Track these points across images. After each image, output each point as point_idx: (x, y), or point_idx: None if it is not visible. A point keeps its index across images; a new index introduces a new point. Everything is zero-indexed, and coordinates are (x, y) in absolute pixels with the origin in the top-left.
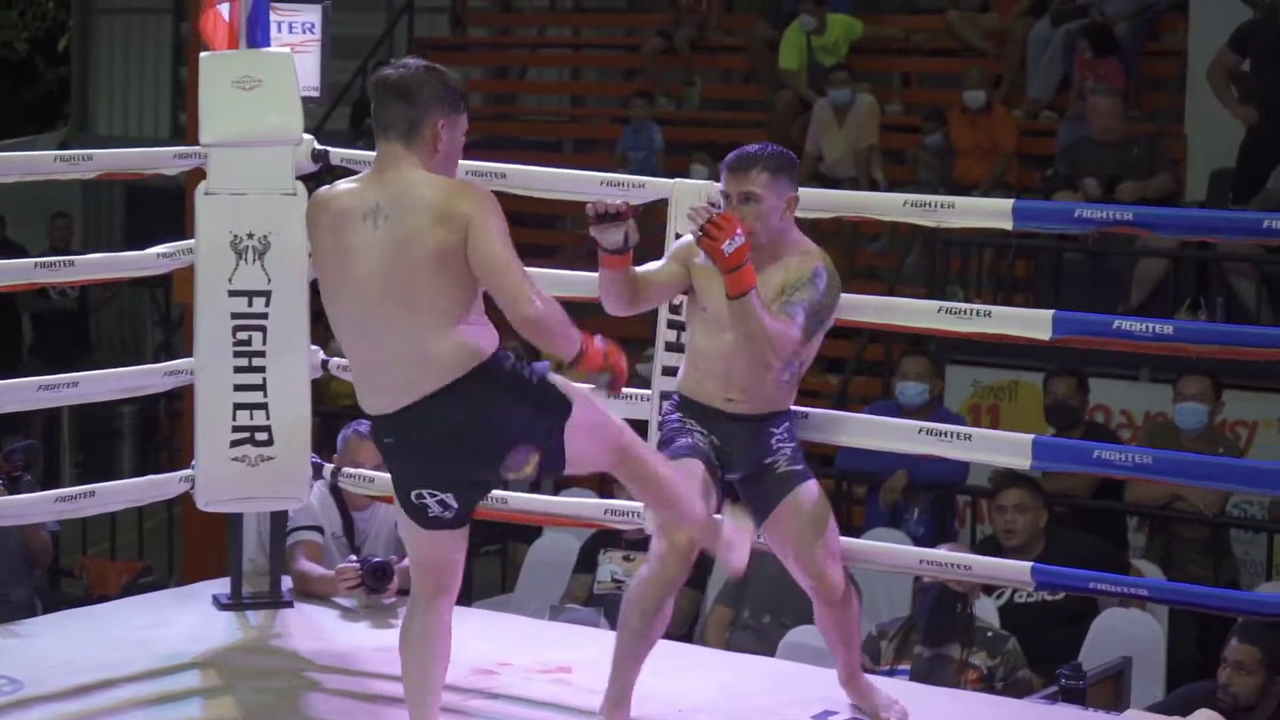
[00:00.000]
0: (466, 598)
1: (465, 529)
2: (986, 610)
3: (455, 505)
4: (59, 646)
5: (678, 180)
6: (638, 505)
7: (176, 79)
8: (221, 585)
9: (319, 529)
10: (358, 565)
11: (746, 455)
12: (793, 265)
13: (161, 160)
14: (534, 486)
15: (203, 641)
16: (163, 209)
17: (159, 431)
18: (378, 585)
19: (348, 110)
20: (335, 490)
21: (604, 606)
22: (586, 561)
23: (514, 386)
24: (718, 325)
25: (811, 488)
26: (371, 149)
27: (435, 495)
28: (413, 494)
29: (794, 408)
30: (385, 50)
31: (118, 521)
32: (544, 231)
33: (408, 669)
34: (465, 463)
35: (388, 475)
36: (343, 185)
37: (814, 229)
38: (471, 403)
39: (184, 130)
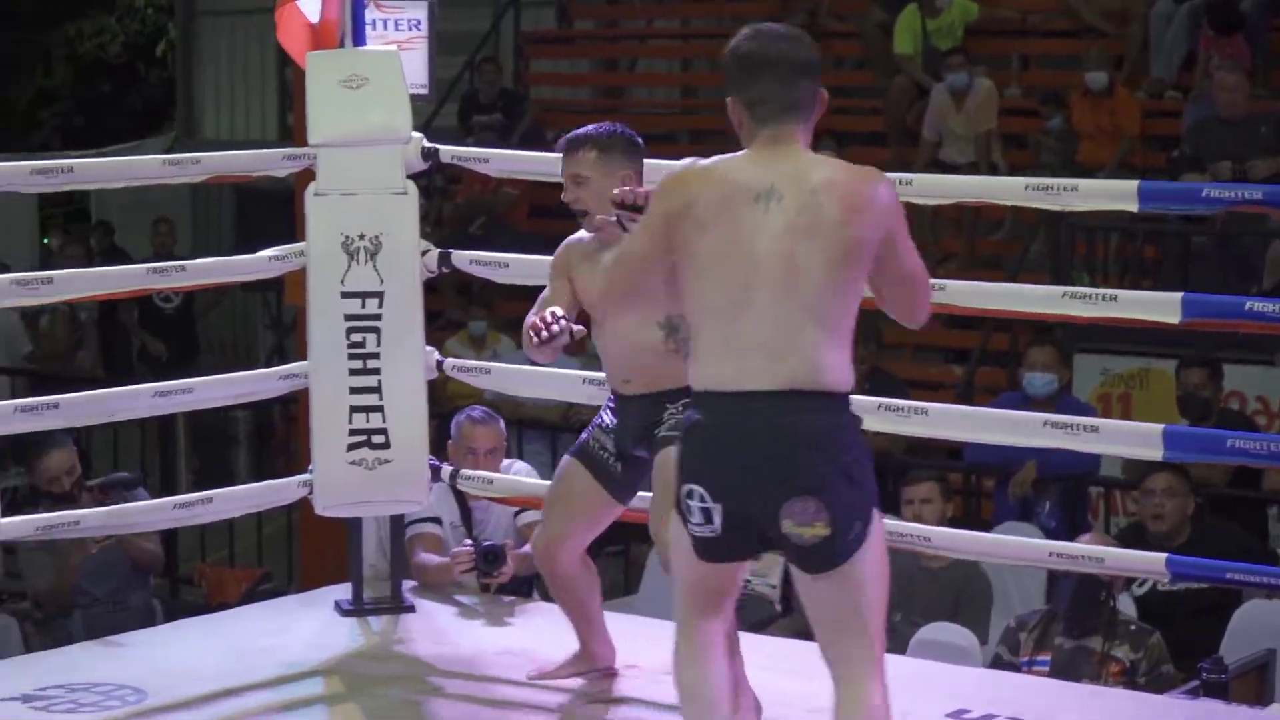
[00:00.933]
0: None
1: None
2: (1124, 603)
3: (718, 523)
4: (181, 655)
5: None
6: None
7: (283, 80)
8: (342, 591)
9: (437, 520)
10: (471, 549)
11: (643, 431)
12: None
13: (270, 162)
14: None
15: (325, 649)
16: (272, 211)
17: (274, 436)
18: (490, 568)
19: (455, 107)
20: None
21: None
22: None
23: (862, 447)
24: (601, 315)
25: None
26: (481, 144)
27: (704, 502)
28: (685, 488)
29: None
30: (491, 46)
31: (236, 528)
32: None
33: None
34: (763, 476)
35: (507, 476)
36: (724, 161)
37: (934, 217)
38: (825, 422)
39: (292, 131)
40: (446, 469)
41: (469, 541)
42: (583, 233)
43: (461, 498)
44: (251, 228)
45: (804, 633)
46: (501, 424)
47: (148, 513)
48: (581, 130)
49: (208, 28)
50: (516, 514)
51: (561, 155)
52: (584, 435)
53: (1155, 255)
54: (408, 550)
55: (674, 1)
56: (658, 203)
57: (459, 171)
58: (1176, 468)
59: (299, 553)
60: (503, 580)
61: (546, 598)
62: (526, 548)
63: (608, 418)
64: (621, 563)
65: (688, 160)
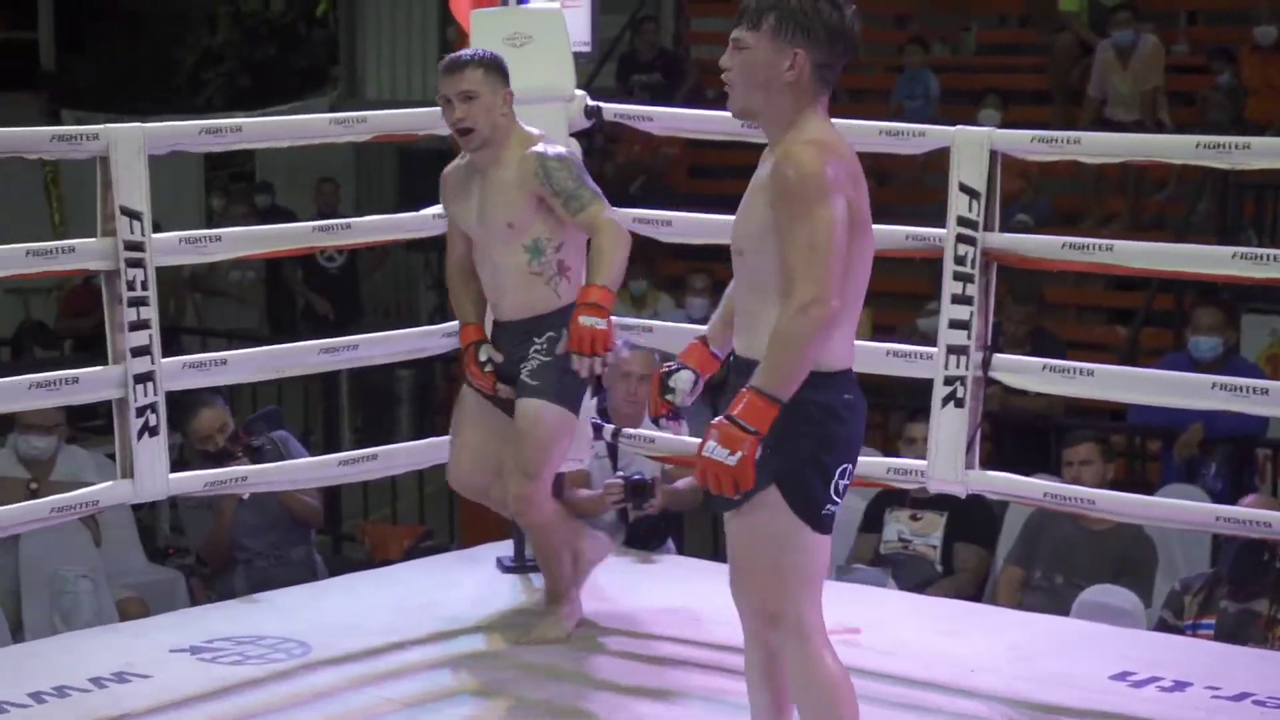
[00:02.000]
0: None
1: None
2: None
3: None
4: (344, 611)
5: (959, 128)
6: (922, 464)
7: (444, 38)
8: (504, 548)
9: (581, 460)
10: (621, 481)
11: (512, 365)
12: (513, 161)
13: (434, 121)
14: None
15: (487, 605)
16: (434, 171)
17: (437, 395)
18: (639, 501)
19: (613, 67)
20: (602, 412)
21: (891, 566)
22: (872, 521)
23: None
24: (473, 236)
25: (534, 406)
26: (641, 103)
27: (848, 479)
28: (843, 467)
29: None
30: (652, 5)
31: (398, 486)
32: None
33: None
34: None
35: (668, 435)
36: (836, 132)
37: (1099, 177)
38: None
39: None
40: (608, 428)
41: (619, 475)
42: (456, 161)
43: (612, 430)
44: (413, 187)
45: (963, 593)
46: (655, 353)
47: (313, 469)
48: (462, 51)
49: None
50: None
51: (441, 77)
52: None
53: None
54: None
55: None
56: (837, 189)
57: (619, 131)
58: None
59: (460, 511)
60: (651, 513)
61: (687, 550)
62: (679, 482)
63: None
64: None
65: (814, 137)
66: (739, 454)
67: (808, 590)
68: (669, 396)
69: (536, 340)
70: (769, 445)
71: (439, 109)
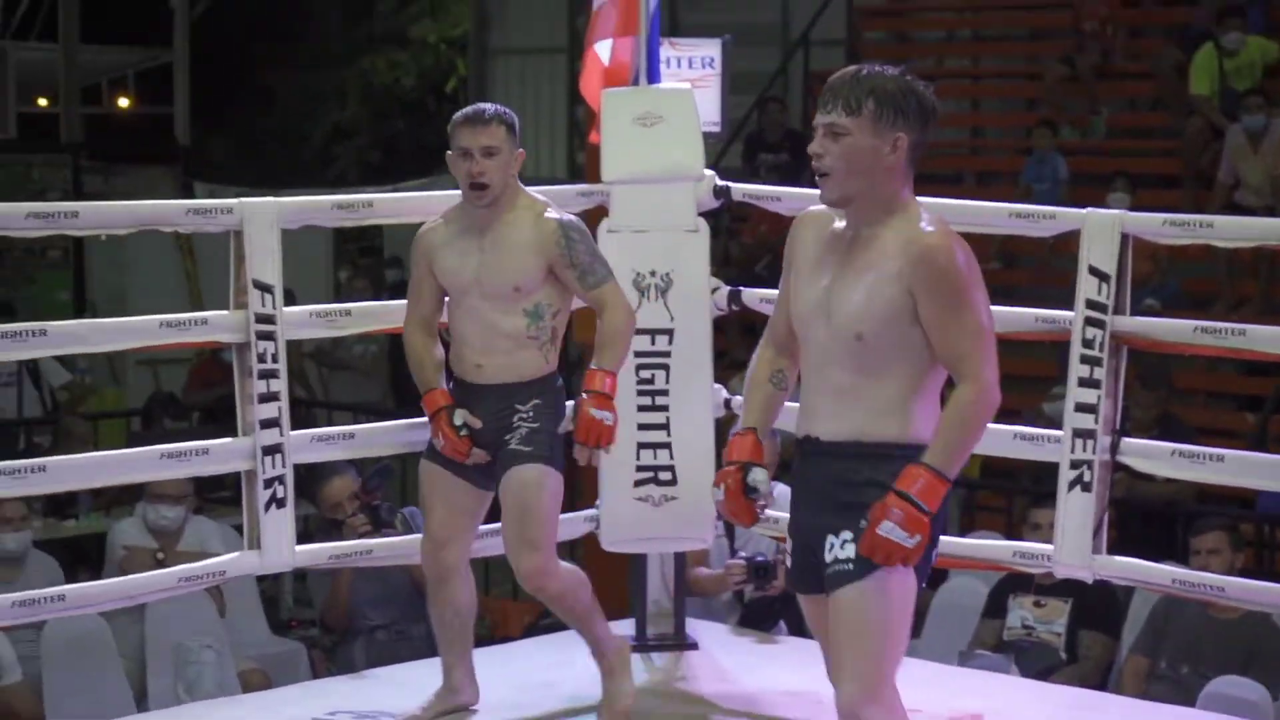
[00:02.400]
0: None
1: None
2: None
3: None
4: None
5: (1090, 210)
6: (1048, 548)
7: (572, 118)
8: (625, 626)
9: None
10: (744, 562)
11: (491, 432)
12: (527, 222)
13: (565, 199)
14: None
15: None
16: None
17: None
18: (762, 583)
19: (741, 146)
20: None
21: (1015, 653)
22: (995, 606)
23: None
24: (463, 295)
25: (530, 472)
26: (768, 183)
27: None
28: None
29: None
30: (780, 86)
31: None
32: None
33: None
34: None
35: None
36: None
37: (1230, 260)
38: None
39: (580, 169)
40: None
41: (742, 555)
42: (434, 220)
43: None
44: None
45: (1087, 681)
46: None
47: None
48: (483, 105)
49: (499, 66)
50: None
51: (462, 127)
52: (434, 440)
53: None
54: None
55: (964, 40)
56: (975, 270)
57: (746, 210)
58: None
59: None
60: (773, 594)
61: (797, 631)
62: None
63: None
64: None
65: (939, 223)
66: (917, 537)
67: (901, 657)
68: (755, 497)
69: (521, 407)
70: None
71: (566, 188)
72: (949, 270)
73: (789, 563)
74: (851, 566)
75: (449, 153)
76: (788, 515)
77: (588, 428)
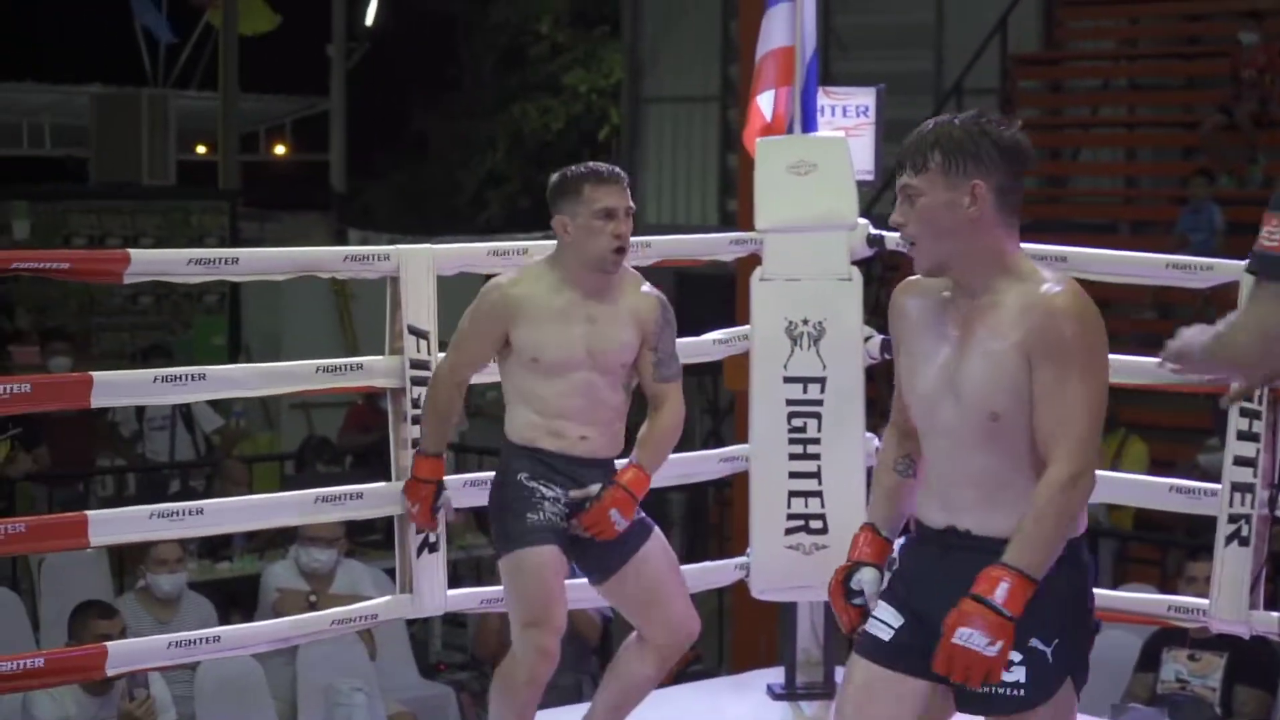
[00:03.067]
0: None
1: None
2: None
3: None
4: None
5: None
6: (1204, 603)
7: (724, 166)
8: (774, 675)
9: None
10: None
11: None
12: (629, 294)
13: (718, 247)
14: None
15: None
16: (710, 296)
17: (708, 518)
18: None
19: (894, 194)
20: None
21: (1169, 707)
22: (1149, 660)
23: None
24: (567, 369)
25: (659, 544)
26: None
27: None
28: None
29: None
30: None
31: None
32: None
33: None
34: None
35: None
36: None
37: None
38: None
39: (731, 217)
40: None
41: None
42: (511, 275)
43: None
44: (690, 312)
45: None
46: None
47: (583, 589)
48: (606, 165)
49: (652, 114)
50: None
51: (603, 186)
52: (533, 517)
53: None
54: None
55: (1120, 89)
56: (1101, 335)
57: (898, 259)
58: None
59: (730, 635)
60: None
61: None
62: None
63: (547, 489)
64: None
65: (1064, 282)
66: (999, 643)
67: None
68: (857, 601)
69: (609, 484)
70: (1056, 634)
71: (720, 236)
72: (1071, 337)
73: (878, 630)
74: (1024, 693)
75: (568, 213)
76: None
77: (598, 522)
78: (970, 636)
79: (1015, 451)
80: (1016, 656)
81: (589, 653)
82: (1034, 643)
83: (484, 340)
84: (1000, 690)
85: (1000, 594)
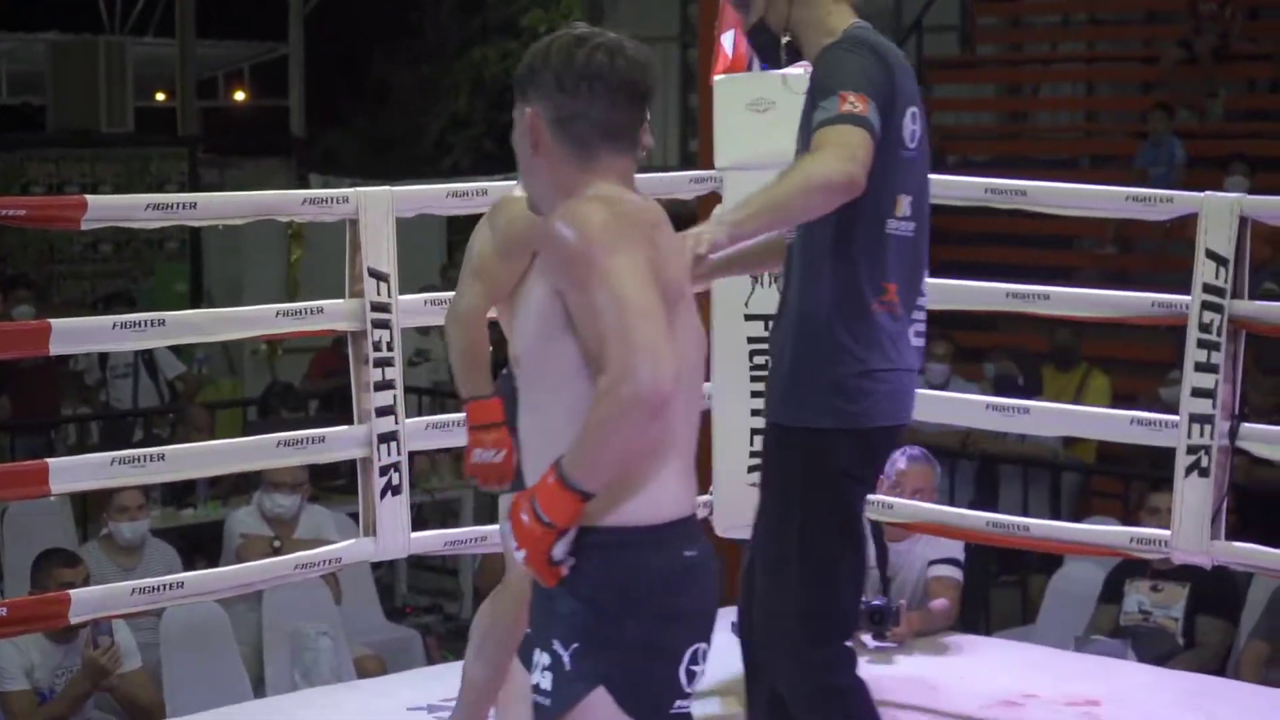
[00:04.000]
0: (986, 627)
1: None
2: None
3: None
4: None
5: (1208, 194)
6: (1166, 534)
7: (685, 106)
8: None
9: None
10: (861, 608)
11: None
12: None
13: (678, 185)
14: None
15: (723, 668)
16: None
17: None
18: (879, 628)
19: None
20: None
21: (1132, 638)
22: (1112, 591)
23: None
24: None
25: None
26: None
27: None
28: (693, 652)
29: None
30: None
31: None
32: (1059, 252)
33: None
34: None
35: (905, 502)
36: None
37: None
38: None
39: (692, 158)
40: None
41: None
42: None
43: (881, 538)
44: None
45: (1205, 667)
46: (937, 467)
47: None
48: None
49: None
50: (929, 564)
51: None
52: None
53: None
54: None
55: (1079, 25)
56: (630, 243)
57: None
58: None
59: None
60: (896, 641)
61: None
62: (934, 603)
63: None
64: (1018, 592)
65: (594, 193)
66: (523, 551)
67: None
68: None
69: None
70: (587, 633)
71: (679, 175)
72: (574, 239)
73: None
74: (546, 701)
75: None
76: None
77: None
78: (509, 533)
79: (542, 404)
80: (545, 659)
81: None
82: (555, 644)
83: (508, 259)
84: (534, 694)
85: (540, 493)
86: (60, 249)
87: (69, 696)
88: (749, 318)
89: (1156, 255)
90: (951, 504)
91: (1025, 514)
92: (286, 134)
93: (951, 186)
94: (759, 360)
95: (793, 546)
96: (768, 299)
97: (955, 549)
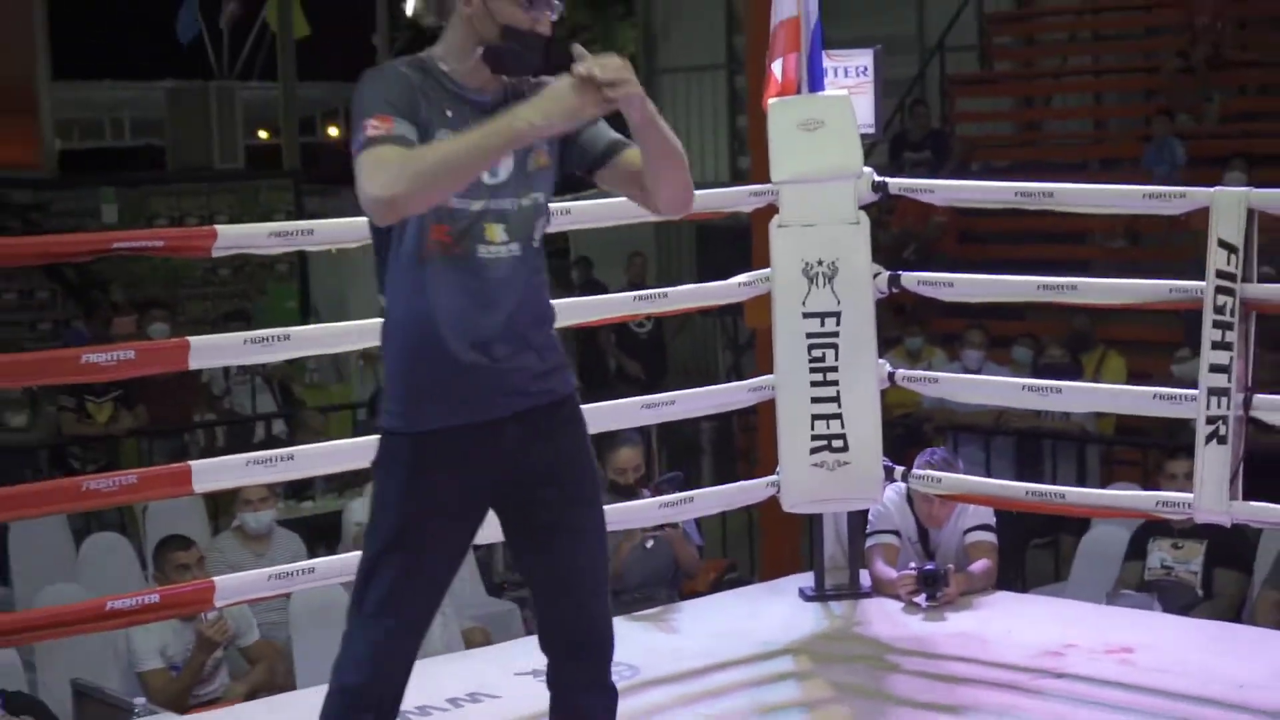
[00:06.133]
0: (1022, 586)
1: None
2: None
3: None
4: (669, 637)
5: (1217, 189)
6: (1189, 497)
7: (734, 127)
8: (805, 579)
9: (896, 533)
10: (915, 572)
11: None
12: None
13: (738, 199)
14: None
15: (794, 630)
16: (729, 245)
17: (737, 444)
18: (931, 590)
19: (886, 145)
20: (910, 501)
21: (1157, 592)
22: (1137, 549)
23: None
24: None
25: None
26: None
27: None
28: None
29: None
30: (919, 89)
31: (702, 526)
32: (1075, 246)
33: None
34: None
35: (955, 475)
36: None
37: None
38: None
39: (743, 174)
40: (899, 469)
41: (913, 565)
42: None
43: (918, 515)
44: (710, 260)
45: (1223, 615)
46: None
47: (638, 511)
48: None
49: (666, 83)
50: (965, 533)
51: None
52: None
53: None
54: (867, 556)
55: (1086, 41)
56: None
57: (892, 203)
58: None
59: (760, 546)
60: (947, 601)
61: None
62: (974, 565)
63: None
64: (1051, 553)
65: None
66: None
67: None
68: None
69: None
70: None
71: (740, 189)
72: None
73: None
74: None
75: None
76: None
77: None
78: None
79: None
80: None
81: (677, 579)
82: None
83: None
84: None
85: None
86: (184, 274)
87: (191, 667)
88: (807, 315)
89: (1163, 246)
90: (989, 476)
91: (1055, 483)
92: None
93: (985, 190)
94: (816, 354)
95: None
96: (824, 298)
97: (987, 515)
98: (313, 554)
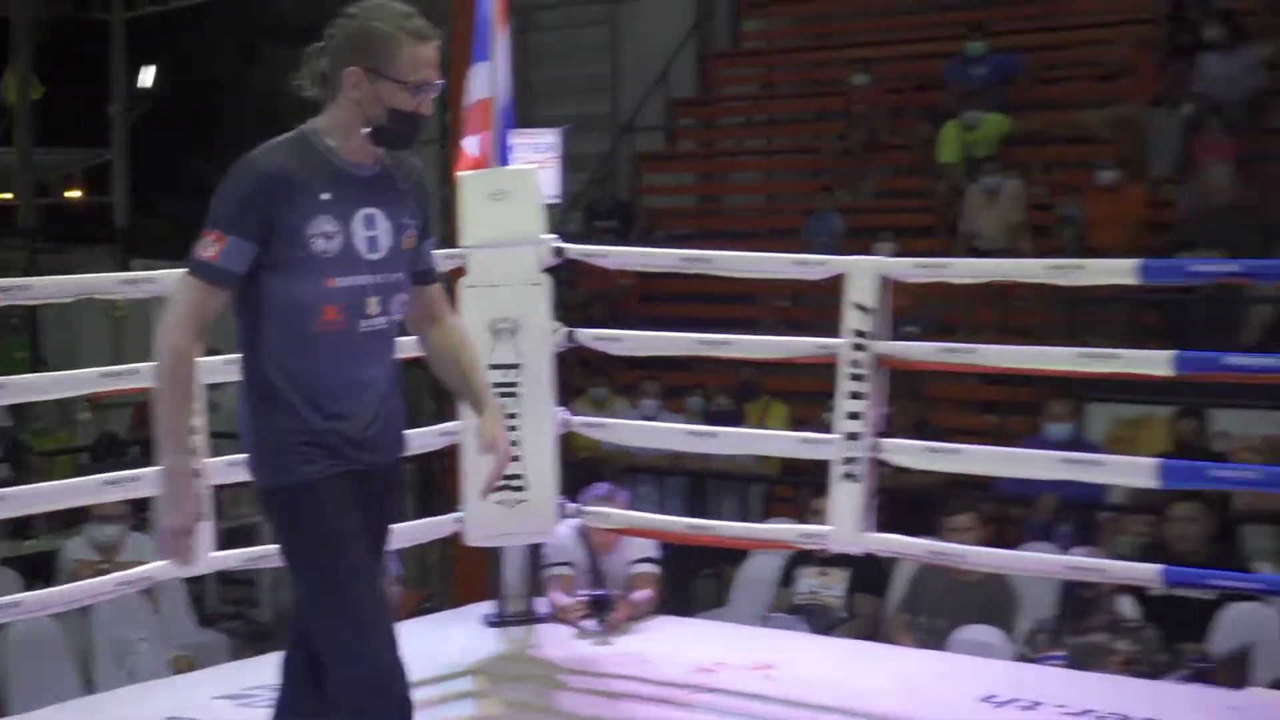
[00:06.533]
0: (688, 611)
1: None
2: (1130, 605)
3: None
4: None
5: (855, 258)
6: (826, 529)
7: (444, 197)
8: (489, 607)
9: (570, 564)
10: (584, 598)
11: None
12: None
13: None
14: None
15: (474, 653)
16: None
17: (436, 483)
18: (600, 615)
19: (578, 214)
20: (583, 535)
21: (805, 615)
22: (787, 577)
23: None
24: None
25: None
26: (602, 244)
27: None
28: None
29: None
30: (612, 163)
31: (404, 556)
32: (745, 306)
33: None
34: None
35: (620, 511)
36: None
37: (971, 294)
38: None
39: (447, 238)
40: (570, 505)
41: (581, 594)
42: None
43: (591, 550)
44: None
45: (862, 634)
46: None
47: None
48: None
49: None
50: (630, 564)
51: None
52: None
53: (1158, 320)
54: (545, 586)
55: (760, 124)
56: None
57: (583, 266)
58: (1197, 496)
59: (452, 576)
60: (614, 626)
61: None
62: (637, 594)
63: None
64: (715, 582)
65: None
66: None
67: None
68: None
69: None
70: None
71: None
72: None
73: None
74: None
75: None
76: None
77: None
78: None
79: None
80: None
81: None
82: None
83: None
84: None
85: None
86: None
87: None
88: (493, 366)
89: (822, 307)
90: (663, 513)
91: (720, 519)
92: (112, 225)
93: (655, 257)
94: (500, 402)
95: None
96: (506, 351)
97: (651, 548)
98: (30, 590)
